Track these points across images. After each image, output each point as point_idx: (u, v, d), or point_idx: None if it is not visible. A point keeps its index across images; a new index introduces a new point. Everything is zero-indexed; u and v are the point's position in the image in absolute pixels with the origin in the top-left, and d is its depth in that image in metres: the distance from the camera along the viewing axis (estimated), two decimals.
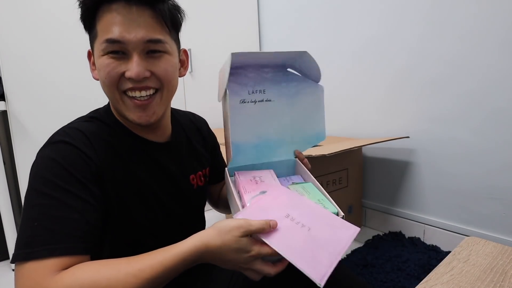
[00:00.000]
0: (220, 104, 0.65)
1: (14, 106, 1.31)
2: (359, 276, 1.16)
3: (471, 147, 1.28)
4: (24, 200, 0.48)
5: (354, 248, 1.41)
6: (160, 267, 0.43)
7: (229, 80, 0.57)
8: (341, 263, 0.75)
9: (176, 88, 0.61)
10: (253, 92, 0.60)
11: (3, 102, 1.30)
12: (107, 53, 0.52)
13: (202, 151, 0.75)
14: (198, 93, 1.86)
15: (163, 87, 0.56)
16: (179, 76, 0.63)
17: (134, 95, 0.54)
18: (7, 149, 1.52)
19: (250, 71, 0.63)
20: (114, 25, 0.51)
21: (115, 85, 0.54)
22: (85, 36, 0.58)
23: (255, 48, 2.12)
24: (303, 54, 0.61)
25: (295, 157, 0.68)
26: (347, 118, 1.73)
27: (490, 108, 1.21)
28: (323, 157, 1.17)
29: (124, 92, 0.54)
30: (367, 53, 1.58)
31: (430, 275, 0.54)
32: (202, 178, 0.72)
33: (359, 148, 1.58)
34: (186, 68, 0.66)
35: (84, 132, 0.54)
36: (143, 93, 0.54)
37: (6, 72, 1.29)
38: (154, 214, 0.61)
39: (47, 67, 1.37)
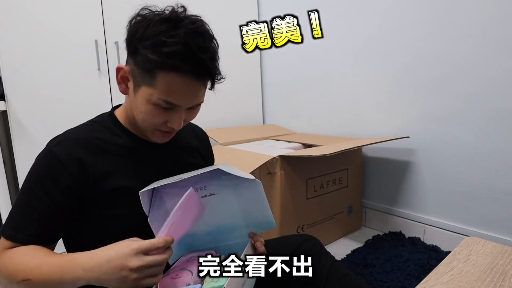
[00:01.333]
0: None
1: (14, 106, 1.31)
2: (358, 276, 1.15)
3: (472, 147, 1.28)
4: (21, 186, 0.59)
5: (354, 248, 1.41)
6: (50, 268, 0.51)
7: (169, 186, 0.61)
8: (340, 262, 0.76)
9: None
10: (196, 190, 0.61)
11: (3, 102, 1.30)
12: (157, 104, 0.58)
13: (199, 159, 0.79)
14: None
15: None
16: None
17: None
18: (7, 149, 1.51)
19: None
20: (176, 92, 0.57)
21: (153, 124, 0.61)
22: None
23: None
24: (218, 171, 0.62)
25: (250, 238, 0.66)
26: (347, 118, 1.73)
27: (491, 108, 1.21)
28: (323, 157, 1.17)
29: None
30: (367, 53, 1.58)
31: (430, 275, 0.54)
32: None
33: (359, 148, 1.58)
34: None
35: (75, 141, 0.60)
36: None
37: (6, 72, 1.29)
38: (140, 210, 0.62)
39: (47, 67, 1.37)
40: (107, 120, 0.67)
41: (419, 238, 1.46)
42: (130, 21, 0.58)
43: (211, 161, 0.85)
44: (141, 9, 0.59)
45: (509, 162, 1.19)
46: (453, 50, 1.28)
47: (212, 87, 0.62)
